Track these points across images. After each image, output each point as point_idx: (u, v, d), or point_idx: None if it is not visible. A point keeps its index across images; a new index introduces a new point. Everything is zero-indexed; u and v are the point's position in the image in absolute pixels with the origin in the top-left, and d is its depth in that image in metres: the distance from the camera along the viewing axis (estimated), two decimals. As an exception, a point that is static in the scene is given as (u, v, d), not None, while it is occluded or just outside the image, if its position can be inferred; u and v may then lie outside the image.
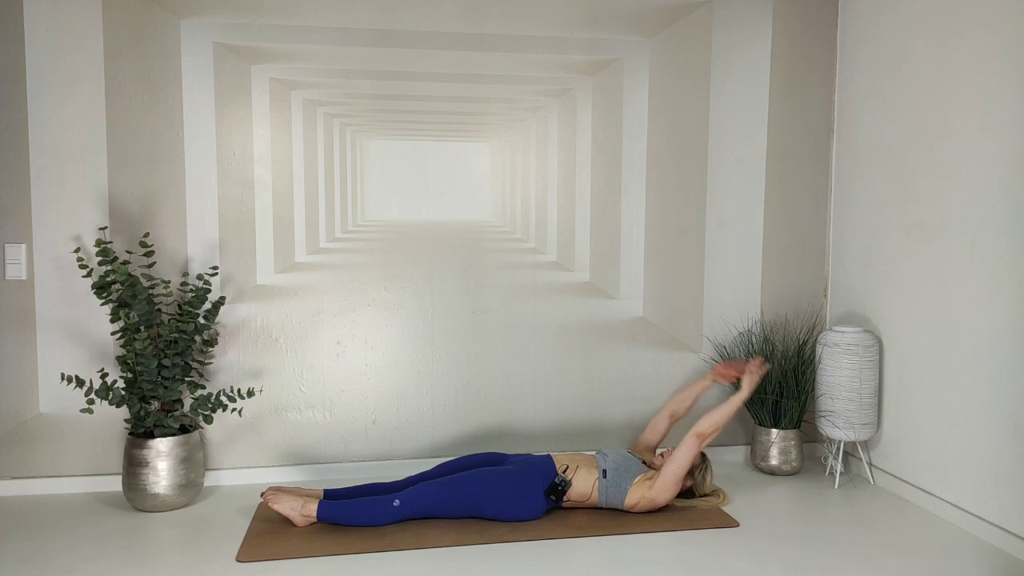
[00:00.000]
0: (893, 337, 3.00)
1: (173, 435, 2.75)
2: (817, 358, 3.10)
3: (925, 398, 2.83)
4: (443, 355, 3.21)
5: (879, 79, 3.09)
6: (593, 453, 2.84)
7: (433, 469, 2.79)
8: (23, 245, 2.89)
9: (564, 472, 2.69)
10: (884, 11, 3.06)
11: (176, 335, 2.76)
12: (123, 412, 2.96)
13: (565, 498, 2.68)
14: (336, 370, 3.14)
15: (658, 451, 3.02)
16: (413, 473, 2.85)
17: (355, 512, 2.56)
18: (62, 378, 2.77)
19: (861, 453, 3.14)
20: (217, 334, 2.99)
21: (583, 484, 2.68)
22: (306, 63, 3.04)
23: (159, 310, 2.78)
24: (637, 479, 2.69)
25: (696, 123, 3.32)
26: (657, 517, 2.67)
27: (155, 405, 2.79)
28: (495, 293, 3.23)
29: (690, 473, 2.78)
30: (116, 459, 2.98)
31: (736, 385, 2.86)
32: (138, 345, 2.65)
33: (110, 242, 2.82)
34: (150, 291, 2.75)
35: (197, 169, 2.99)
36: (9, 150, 2.86)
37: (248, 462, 3.09)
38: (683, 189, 3.33)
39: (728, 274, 3.38)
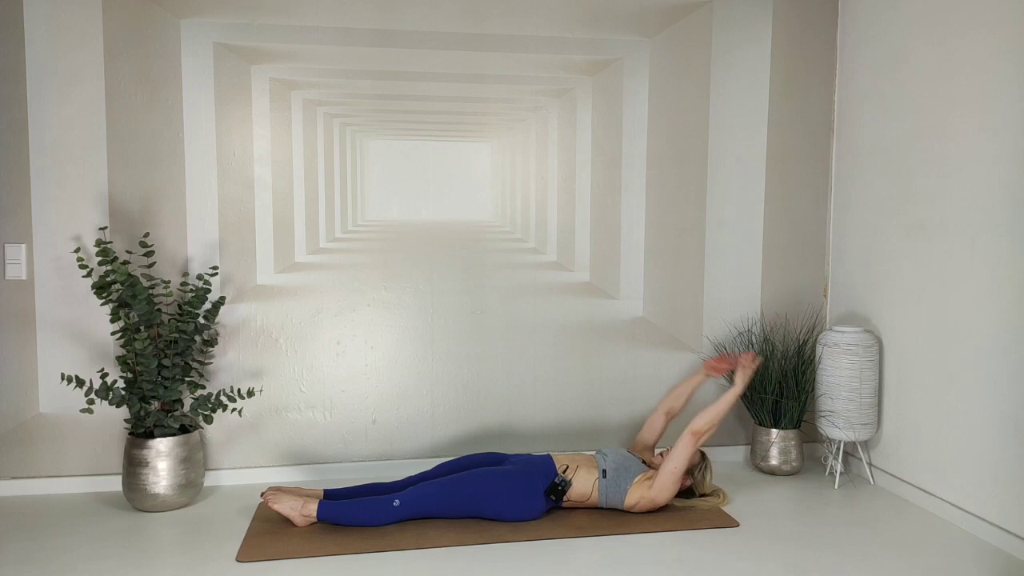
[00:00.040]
0: (893, 337, 3.00)
1: (173, 435, 2.75)
2: (817, 358, 3.10)
3: (925, 398, 2.83)
4: (443, 355, 3.21)
5: (879, 79, 3.09)
6: (593, 453, 2.84)
7: (433, 469, 2.79)
8: (23, 245, 2.89)
9: (564, 472, 2.69)
10: (884, 11, 3.06)
11: (176, 335, 2.76)
12: (123, 412, 2.96)
13: (565, 498, 2.68)
14: (336, 370, 3.14)
15: (657, 450, 3.02)
16: (413, 473, 2.86)
17: (355, 512, 2.56)
18: (62, 378, 2.77)
19: (861, 453, 3.14)
20: (217, 334, 2.99)
21: (583, 484, 2.68)
22: (306, 63, 3.04)
23: (159, 310, 2.78)
24: (637, 479, 2.69)
25: (696, 123, 3.32)
26: (657, 517, 2.67)
27: (155, 405, 2.79)
28: (495, 293, 3.23)
29: (690, 472, 2.78)
30: (116, 459, 2.98)
31: (730, 379, 2.86)
32: (138, 345, 2.65)
33: (110, 242, 2.82)
34: (150, 291, 2.75)
35: (197, 169, 2.99)
36: (9, 150, 2.86)
37: (248, 462, 3.10)
38: (683, 189, 3.33)
39: (728, 274, 3.38)
